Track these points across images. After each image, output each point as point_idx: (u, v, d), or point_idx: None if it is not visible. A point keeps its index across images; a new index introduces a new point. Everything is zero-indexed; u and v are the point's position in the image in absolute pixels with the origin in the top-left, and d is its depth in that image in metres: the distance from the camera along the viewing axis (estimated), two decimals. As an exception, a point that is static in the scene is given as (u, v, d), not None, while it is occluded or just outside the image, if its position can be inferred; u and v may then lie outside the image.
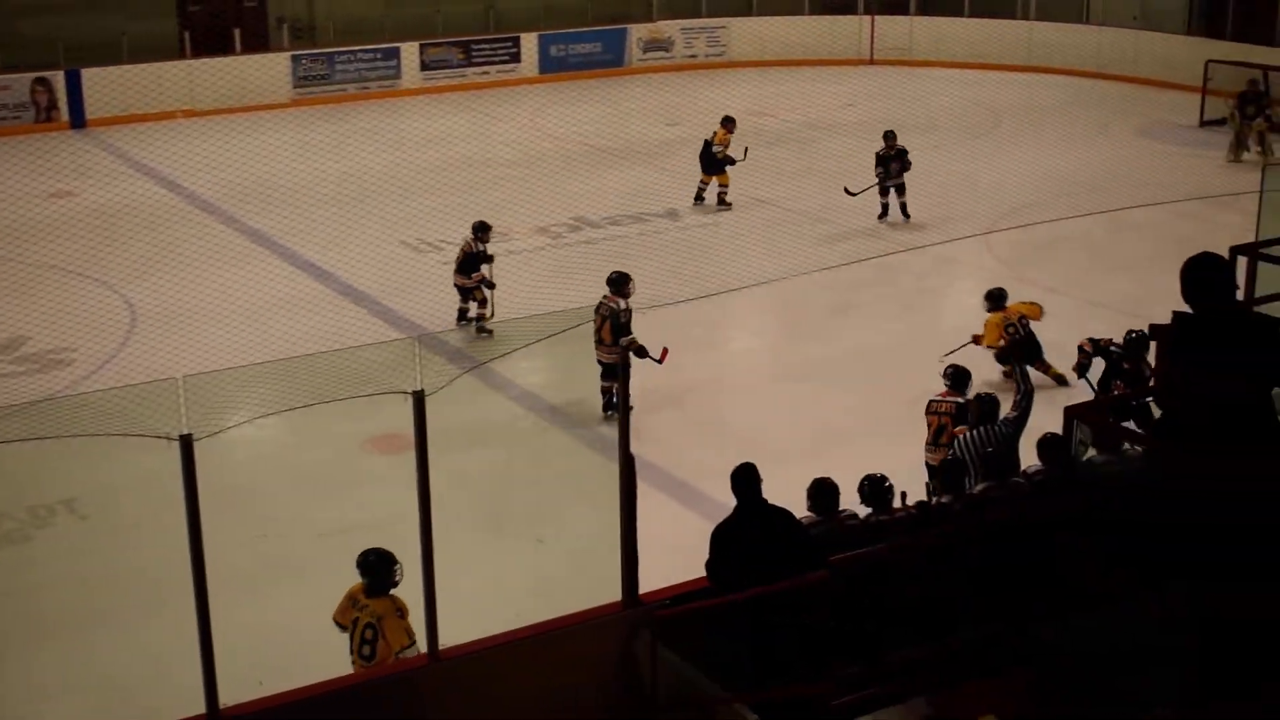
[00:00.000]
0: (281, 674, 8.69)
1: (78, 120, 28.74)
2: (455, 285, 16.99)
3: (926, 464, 11.94)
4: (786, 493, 8.93)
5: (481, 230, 17.01)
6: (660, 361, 14.14)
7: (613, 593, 9.09)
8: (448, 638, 8.54)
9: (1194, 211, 21.44)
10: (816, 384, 15.38)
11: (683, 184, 23.41)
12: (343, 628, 9.26)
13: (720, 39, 35.49)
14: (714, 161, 22.17)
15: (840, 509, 9.19)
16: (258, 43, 31.68)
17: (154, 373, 13.85)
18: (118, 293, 18.23)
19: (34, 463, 11.02)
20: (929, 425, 12.17)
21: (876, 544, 8.87)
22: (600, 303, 14.51)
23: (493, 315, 16.64)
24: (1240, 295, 8.35)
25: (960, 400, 12.00)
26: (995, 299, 15.11)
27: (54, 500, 12.44)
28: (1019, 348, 14.11)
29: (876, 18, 35.40)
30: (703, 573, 8.91)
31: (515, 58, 33.44)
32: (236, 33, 30.67)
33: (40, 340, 16.41)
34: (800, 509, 9.12)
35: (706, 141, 22.42)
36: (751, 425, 14.12)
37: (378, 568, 9.21)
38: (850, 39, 35.41)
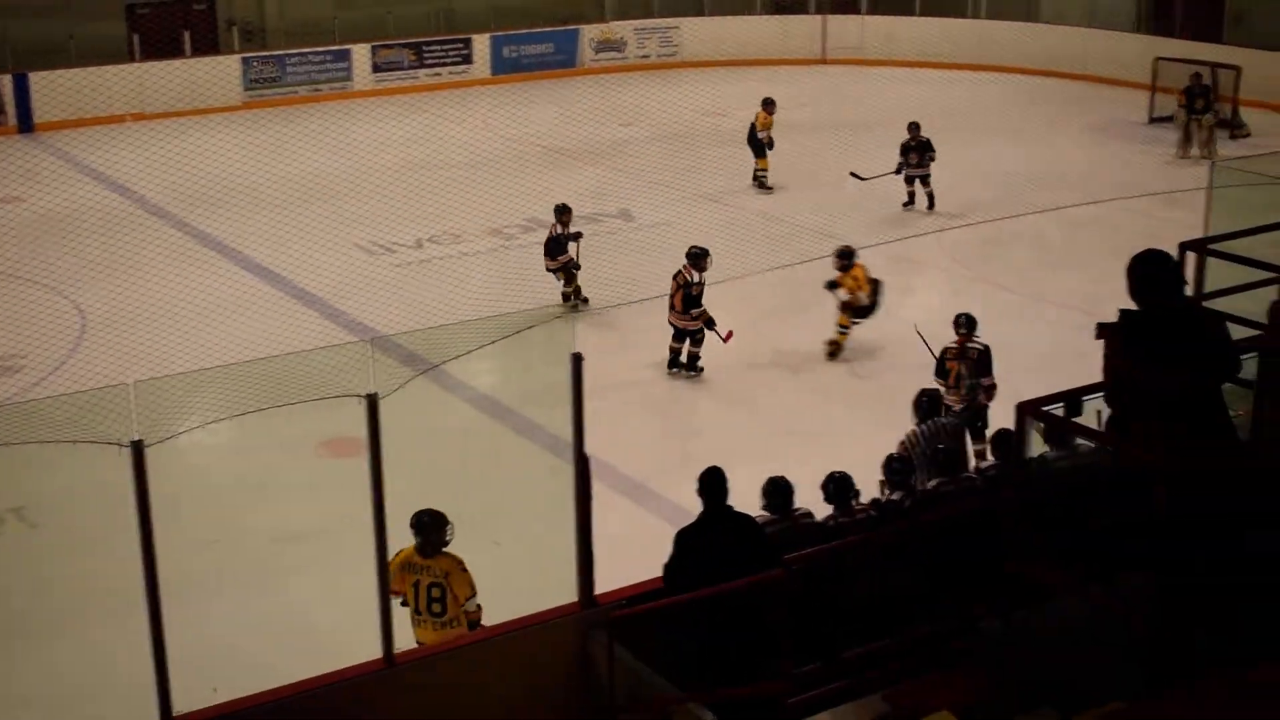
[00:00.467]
0: (236, 681, 8.65)
1: (25, 124, 28.52)
2: (547, 269, 17.75)
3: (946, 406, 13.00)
4: (743, 492, 8.96)
5: (562, 212, 17.77)
6: (725, 340, 15.56)
7: (569, 594, 9.09)
8: (403, 642, 8.53)
9: (1143, 208, 21.61)
10: (772, 383, 15.42)
11: (636, 184, 23.45)
12: (401, 597, 9.25)
13: (673, 39, 35.53)
14: (757, 145, 23.79)
15: (795, 507, 9.20)
16: (207, 45, 31.51)
17: (105, 379, 13.74)
18: (67, 298, 18.10)
19: (-17, 471, 10.95)
20: (951, 370, 13.59)
21: (831, 542, 8.92)
22: (678, 272, 15.77)
23: (581, 297, 17.74)
24: (1190, 291, 8.42)
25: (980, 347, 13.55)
26: (847, 256, 16.30)
27: (3, 508, 12.35)
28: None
29: (828, 17, 35.52)
30: (659, 573, 8.92)
31: (467, 59, 33.38)
32: (186, 35, 30.48)
33: (-11, 347, 16.27)
34: (755, 507, 9.14)
35: (751, 125, 23.90)
36: (707, 426, 14.16)
37: (431, 528, 9.44)
38: (803, 39, 35.52)
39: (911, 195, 21.81)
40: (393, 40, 32.56)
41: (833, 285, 16.21)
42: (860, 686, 8.32)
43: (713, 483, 8.74)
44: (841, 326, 16.19)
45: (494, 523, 12.08)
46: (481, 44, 33.48)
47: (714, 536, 8.61)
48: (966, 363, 13.26)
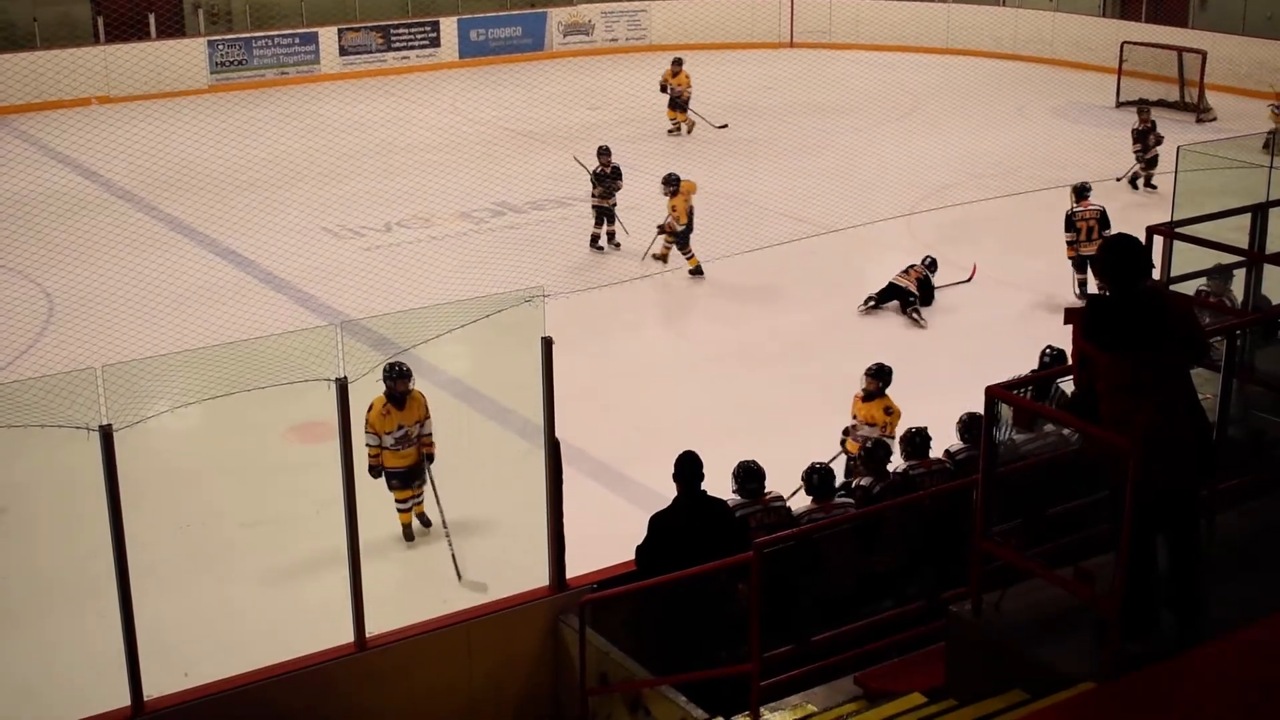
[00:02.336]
0: (208, 665, 8.65)
1: (-12, 108, 28.30)
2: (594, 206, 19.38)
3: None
4: (715, 475, 8.99)
5: (604, 153, 19.51)
6: (969, 279, 17.22)
7: (540, 577, 9.12)
8: (374, 625, 8.54)
9: (1110, 193, 21.70)
10: (741, 366, 15.45)
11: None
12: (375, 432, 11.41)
13: (641, 22, 35.48)
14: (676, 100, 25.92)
15: (765, 491, 9.24)
16: (173, 28, 31.28)
17: (72, 363, 13.67)
18: (34, 282, 17.99)
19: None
20: (1080, 230, 16.59)
21: (801, 525, 8.96)
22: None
23: (614, 242, 19.25)
24: (1157, 275, 8.49)
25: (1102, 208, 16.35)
26: (673, 182, 18.15)
27: (-30, 493, 12.29)
28: None
29: (795, 0, 35.52)
30: (630, 557, 8.95)
31: (435, 42, 33.26)
32: (151, 18, 30.27)
33: (-46, 331, 16.18)
34: (726, 491, 9.17)
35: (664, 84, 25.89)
36: (677, 409, 14.17)
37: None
38: (770, 22, 35.52)
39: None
40: (360, 23, 32.42)
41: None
42: (831, 669, 8.38)
43: (687, 467, 8.76)
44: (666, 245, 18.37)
45: (466, 507, 12.09)
46: (449, 27, 33.36)
47: (687, 520, 8.64)
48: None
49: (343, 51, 32.08)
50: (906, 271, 16.87)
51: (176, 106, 28.56)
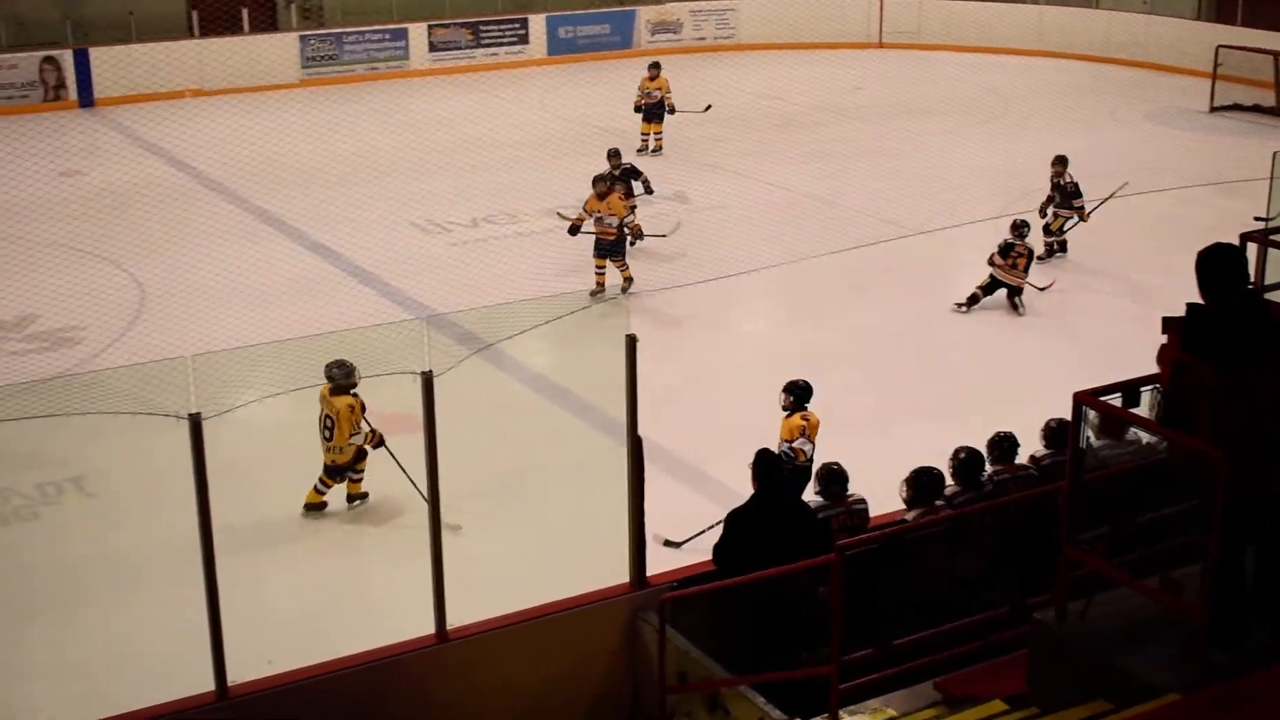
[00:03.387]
0: (291, 653, 8.73)
1: (86, 99, 28.72)
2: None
3: None
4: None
5: (612, 156, 19.43)
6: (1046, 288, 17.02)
7: (621, 574, 9.12)
8: (456, 618, 8.58)
9: (1202, 198, 21.43)
10: (823, 367, 15.36)
11: (691, 166, 23.43)
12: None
13: (729, 21, 35.42)
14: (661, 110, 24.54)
15: (849, 494, 9.20)
16: (266, 22, 31.64)
17: (163, 352, 13.88)
18: (127, 271, 18.25)
19: (43, 440, 11.07)
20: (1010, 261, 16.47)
21: (884, 529, 8.90)
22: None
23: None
24: (1250, 283, 8.36)
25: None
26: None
27: (62, 478, 12.45)
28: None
29: (886, 1, 35.31)
30: (709, 555, 8.94)
31: (523, 39, 33.38)
32: (245, 12, 30.63)
33: (50, 318, 16.42)
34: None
35: (649, 92, 24.46)
36: (760, 410, 14.12)
37: (340, 375, 11.65)
38: (859, 22, 35.33)
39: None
40: (449, 20, 32.60)
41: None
42: (911, 673, 8.32)
43: (766, 466, 8.73)
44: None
45: (547, 502, 12.13)
46: (538, 24, 33.48)
47: (764, 519, 8.61)
48: None
49: (432, 48, 32.27)
50: (1010, 263, 16.69)
51: (268, 100, 28.86)
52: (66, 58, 28.60)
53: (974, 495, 9.25)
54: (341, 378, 11.64)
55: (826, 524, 8.84)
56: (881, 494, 9.47)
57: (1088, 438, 8.16)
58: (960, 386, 14.74)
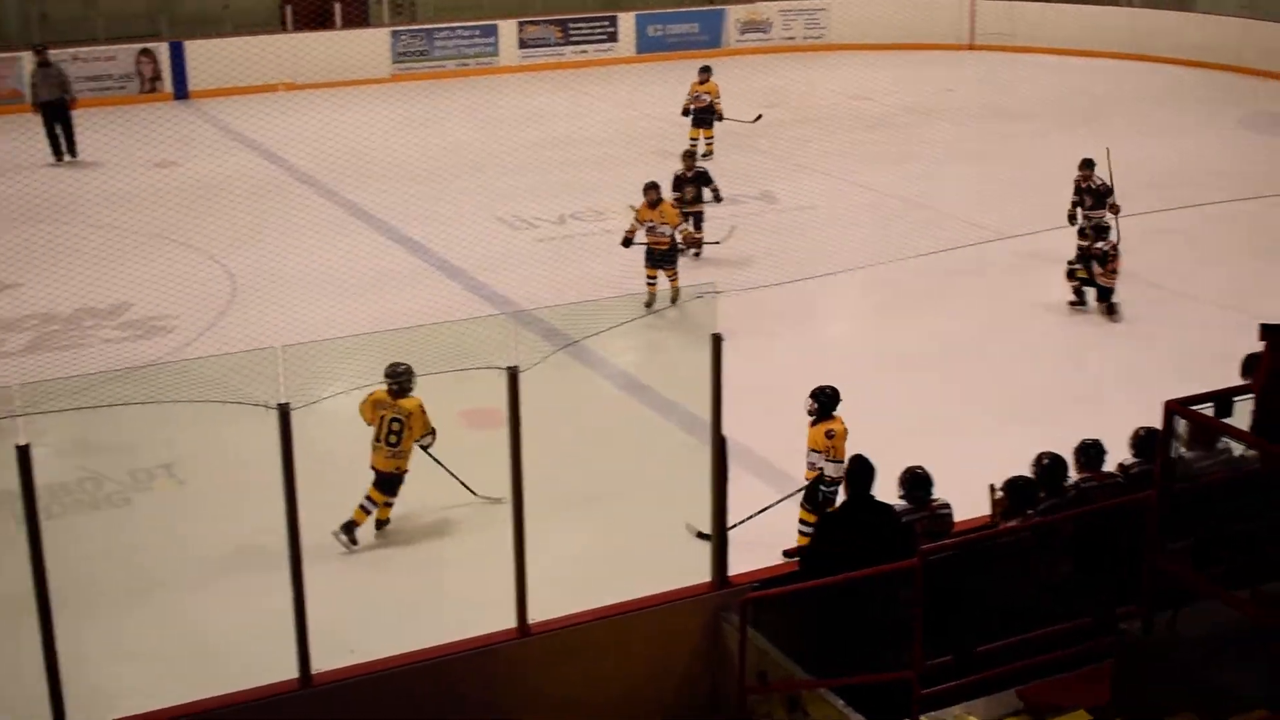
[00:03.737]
0: (373, 643, 8.81)
1: (180, 91, 29.11)
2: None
3: None
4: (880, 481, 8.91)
5: (687, 157, 19.07)
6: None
7: (702, 573, 9.13)
8: (537, 612, 8.62)
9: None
10: (908, 371, 15.29)
11: (778, 166, 23.38)
12: (367, 421, 11.42)
13: (819, 21, 35.28)
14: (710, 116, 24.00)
15: (933, 498, 9.14)
16: (358, 18, 31.93)
17: (252, 342, 14.01)
18: (218, 262, 18.48)
19: (135, 427, 11.22)
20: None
21: (968, 534, 8.84)
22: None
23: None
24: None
25: None
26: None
27: (153, 464, 12.63)
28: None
29: (978, 2, 35.03)
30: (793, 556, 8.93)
31: (612, 37, 33.45)
32: (337, 7, 30.92)
33: (143, 307, 16.66)
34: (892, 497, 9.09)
35: (697, 97, 23.91)
36: (844, 410, 14.07)
37: (404, 376, 11.30)
38: (951, 23, 35.06)
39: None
40: (539, 17, 32.72)
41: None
42: (994, 681, 8.26)
43: (859, 470, 8.69)
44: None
45: (629, 499, 12.15)
46: (627, 22, 33.53)
47: (857, 523, 8.58)
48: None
49: (522, 44, 32.40)
50: (1110, 269, 16.55)
51: (359, 95, 29.12)
52: (162, 51, 29.01)
53: (1058, 502, 9.16)
54: (407, 380, 11.36)
55: (910, 528, 8.78)
56: (964, 499, 9.41)
57: (1177, 447, 8.08)
58: (1045, 392, 14.59)
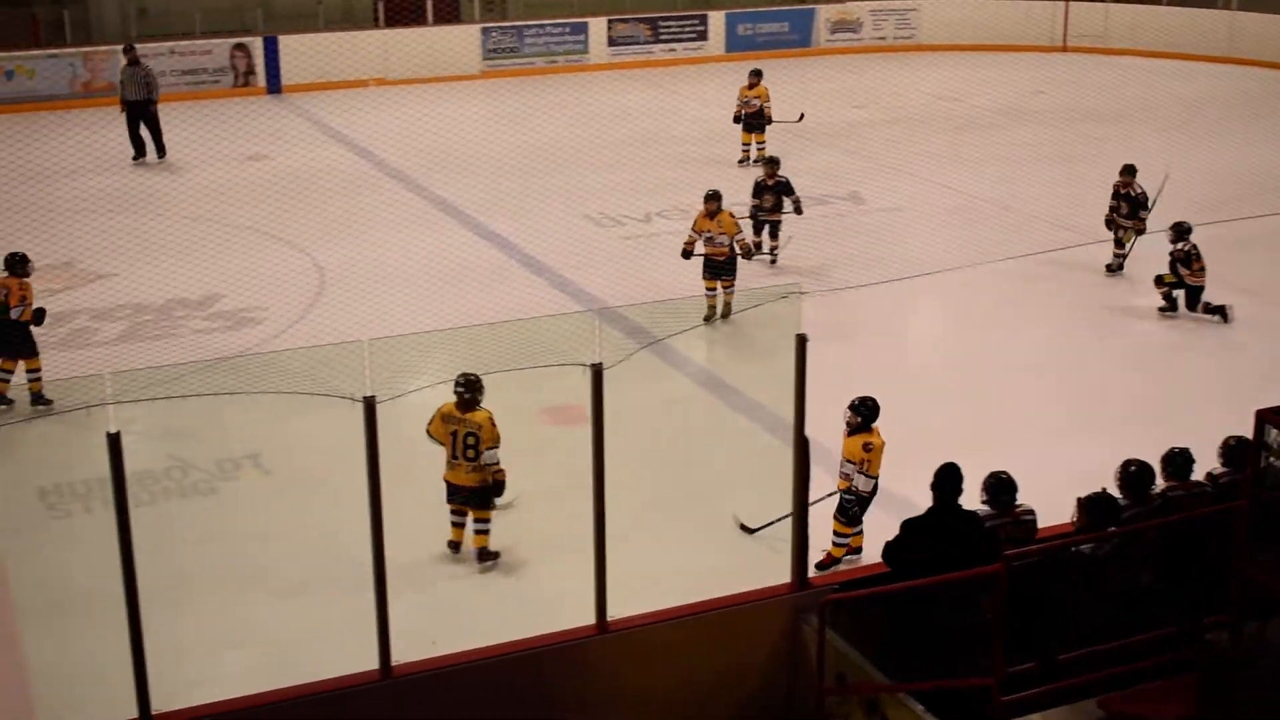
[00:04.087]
0: (453, 636, 8.87)
1: (274, 86, 29.43)
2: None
3: None
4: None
5: (770, 163, 18.48)
6: None
7: (782, 574, 9.11)
8: (616, 609, 8.63)
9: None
10: (995, 375, 15.17)
11: (866, 167, 23.29)
12: (438, 441, 10.99)
13: (910, 21, 35.07)
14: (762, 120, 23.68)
15: (1017, 504, 9.06)
16: (450, 14, 32.14)
17: (340, 334, 14.17)
18: (308, 255, 18.66)
19: (223, 417, 11.36)
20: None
21: (1053, 541, 8.76)
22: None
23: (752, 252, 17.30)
24: None
25: None
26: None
27: (240, 454, 12.77)
28: None
29: (1071, 3, 34.66)
30: (871, 560, 8.88)
31: (702, 35, 33.42)
32: (429, 4, 31.14)
33: (233, 298, 16.87)
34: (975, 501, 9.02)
35: (748, 101, 23.63)
36: (926, 414, 13.99)
37: (474, 387, 10.85)
38: (1043, 24, 34.71)
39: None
40: (629, 15, 32.77)
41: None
42: (1075, 689, 8.18)
43: (947, 478, 8.63)
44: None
45: (710, 498, 12.14)
46: (717, 21, 33.49)
47: (938, 530, 8.53)
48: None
49: (611, 42, 32.47)
50: (1198, 267, 16.37)
51: (449, 91, 29.31)
52: (256, 45, 29.34)
53: (1143, 510, 9.06)
54: (478, 390, 10.90)
55: (994, 534, 8.72)
56: (1047, 505, 9.32)
57: (1268, 456, 7.97)
58: (1133, 399, 14.44)
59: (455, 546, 11.20)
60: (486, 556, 11.07)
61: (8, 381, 13.98)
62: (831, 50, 34.21)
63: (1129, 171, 17.97)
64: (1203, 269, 16.40)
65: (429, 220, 20.46)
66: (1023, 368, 15.29)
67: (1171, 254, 16.52)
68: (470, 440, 10.86)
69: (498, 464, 10.91)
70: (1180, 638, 8.29)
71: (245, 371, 12.21)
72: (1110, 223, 18.02)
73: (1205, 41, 33.23)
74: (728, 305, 16.17)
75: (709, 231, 16.14)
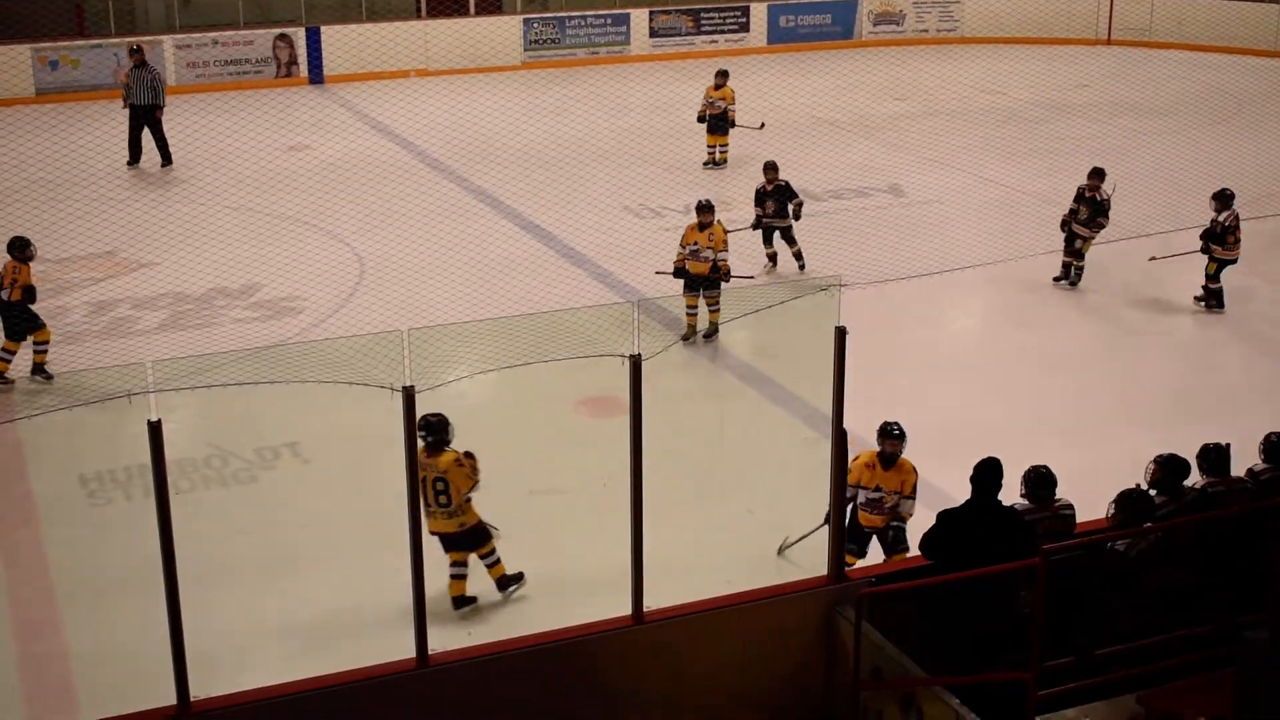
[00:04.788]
0: (487, 627, 8.90)
1: (316, 76, 29.55)
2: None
3: None
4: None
5: (769, 169, 17.67)
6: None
7: (818, 567, 9.09)
8: (652, 601, 8.64)
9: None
10: (1035, 369, 15.12)
11: (907, 159, 23.21)
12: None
13: (953, 14, 34.91)
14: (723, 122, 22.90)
15: (1055, 499, 9.02)
16: (491, 5, 32.19)
17: (379, 324, 14.23)
18: (347, 245, 18.73)
19: (263, 406, 11.42)
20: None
21: (1090, 535, 8.72)
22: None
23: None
24: None
25: None
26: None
27: (279, 443, 12.84)
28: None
29: (1117, -3, 34.46)
30: (910, 553, 8.85)
31: (744, 27, 33.37)
32: (471, -5, 31.25)
33: (273, 288, 16.96)
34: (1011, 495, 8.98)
35: (711, 102, 22.86)
36: (966, 409, 13.95)
37: (437, 428, 10.17)
38: (1087, 18, 34.51)
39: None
40: (671, 6, 32.74)
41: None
42: (1113, 685, 8.14)
43: (988, 473, 8.59)
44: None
45: (747, 490, 12.14)
46: (759, 12, 33.43)
47: (976, 523, 8.49)
48: None
49: (653, 33, 32.45)
50: (1233, 240, 16.26)
51: (490, 82, 29.35)
52: (299, 36, 29.45)
53: (1178, 506, 9.00)
54: (441, 432, 10.26)
55: (1032, 528, 8.68)
56: (1084, 500, 9.28)
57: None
58: (1172, 394, 14.37)
59: (457, 602, 10.42)
60: (508, 583, 10.59)
61: (8, 361, 14.27)
62: (874, 42, 34.10)
63: (1097, 175, 17.30)
64: (1238, 241, 16.25)
65: (469, 211, 20.50)
66: (1062, 362, 15.23)
67: (1211, 225, 16.33)
68: (439, 486, 10.21)
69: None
70: (1217, 634, 8.25)
71: (285, 361, 12.26)
72: (1066, 225, 17.31)
73: (1251, 35, 32.97)
74: (712, 324, 15.39)
75: (695, 244, 15.40)
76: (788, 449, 12.83)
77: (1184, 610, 8.70)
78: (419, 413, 7.92)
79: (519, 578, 10.64)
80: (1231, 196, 16.39)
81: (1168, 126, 25.56)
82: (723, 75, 22.95)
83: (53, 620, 10.58)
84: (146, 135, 22.68)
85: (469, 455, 10.38)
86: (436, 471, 10.15)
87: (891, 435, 10.40)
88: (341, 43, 29.32)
